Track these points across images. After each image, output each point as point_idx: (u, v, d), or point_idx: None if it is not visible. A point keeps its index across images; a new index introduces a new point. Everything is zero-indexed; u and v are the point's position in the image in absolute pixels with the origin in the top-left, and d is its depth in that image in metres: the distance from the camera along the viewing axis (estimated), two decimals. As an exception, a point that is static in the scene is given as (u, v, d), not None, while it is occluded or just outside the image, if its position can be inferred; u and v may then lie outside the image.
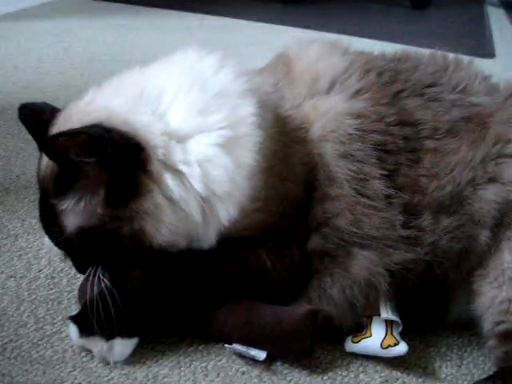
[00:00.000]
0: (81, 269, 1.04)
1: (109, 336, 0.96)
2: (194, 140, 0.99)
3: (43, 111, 1.08)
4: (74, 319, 0.98)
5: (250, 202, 1.02)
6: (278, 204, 1.04)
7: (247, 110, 1.02)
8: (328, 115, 1.06)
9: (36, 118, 1.07)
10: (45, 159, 1.00)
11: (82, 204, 0.96)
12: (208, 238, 1.01)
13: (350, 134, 1.04)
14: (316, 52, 1.16)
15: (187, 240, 1.01)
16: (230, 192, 0.99)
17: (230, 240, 1.03)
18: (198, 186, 0.97)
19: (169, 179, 0.97)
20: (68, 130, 0.92)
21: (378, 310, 1.04)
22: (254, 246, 1.04)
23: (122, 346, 0.97)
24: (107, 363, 0.97)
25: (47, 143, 0.93)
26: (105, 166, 0.93)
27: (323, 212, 1.04)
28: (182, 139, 0.99)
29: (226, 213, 1.00)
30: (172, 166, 0.97)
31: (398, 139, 1.05)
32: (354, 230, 1.02)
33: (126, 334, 0.97)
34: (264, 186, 1.03)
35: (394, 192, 1.03)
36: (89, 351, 0.98)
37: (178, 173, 0.98)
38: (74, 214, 0.96)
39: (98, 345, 0.96)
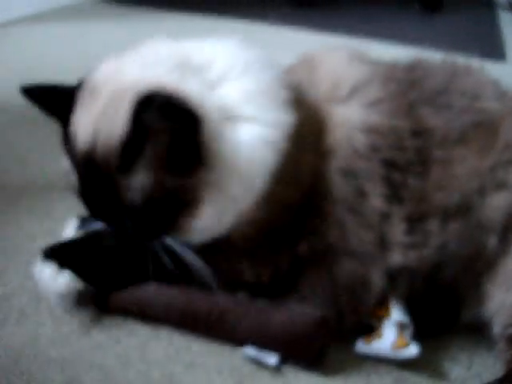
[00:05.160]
0: (144, 239, 1.00)
1: (63, 266, 1.04)
2: (242, 124, 0.98)
3: (54, 90, 1.08)
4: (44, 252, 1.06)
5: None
6: (275, 204, 1.03)
7: (286, 117, 1.01)
8: (340, 128, 1.05)
9: (50, 96, 1.06)
10: (103, 131, 0.93)
11: (151, 176, 0.93)
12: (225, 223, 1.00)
13: (358, 151, 1.03)
14: (339, 59, 1.16)
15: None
16: (257, 184, 0.99)
17: (209, 249, 1.03)
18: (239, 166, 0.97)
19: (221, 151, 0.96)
20: (148, 94, 0.88)
21: (389, 312, 1.05)
22: (233, 255, 1.04)
23: (68, 278, 1.03)
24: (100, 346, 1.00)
25: (136, 110, 0.88)
26: (172, 134, 0.91)
27: (313, 224, 1.04)
28: (230, 119, 0.98)
29: (252, 199, 0.99)
30: (222, 140, 0.96)
31: (409, 153, 1.05)
32: (342, 244, 1.03)
33: (77, 273, 1.03)
34: (272, 185, 1.01)
35: (396, 206, 1.03)
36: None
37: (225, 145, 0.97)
38: (142, 186, 0.93)
39: (50, 268, 1.03)
